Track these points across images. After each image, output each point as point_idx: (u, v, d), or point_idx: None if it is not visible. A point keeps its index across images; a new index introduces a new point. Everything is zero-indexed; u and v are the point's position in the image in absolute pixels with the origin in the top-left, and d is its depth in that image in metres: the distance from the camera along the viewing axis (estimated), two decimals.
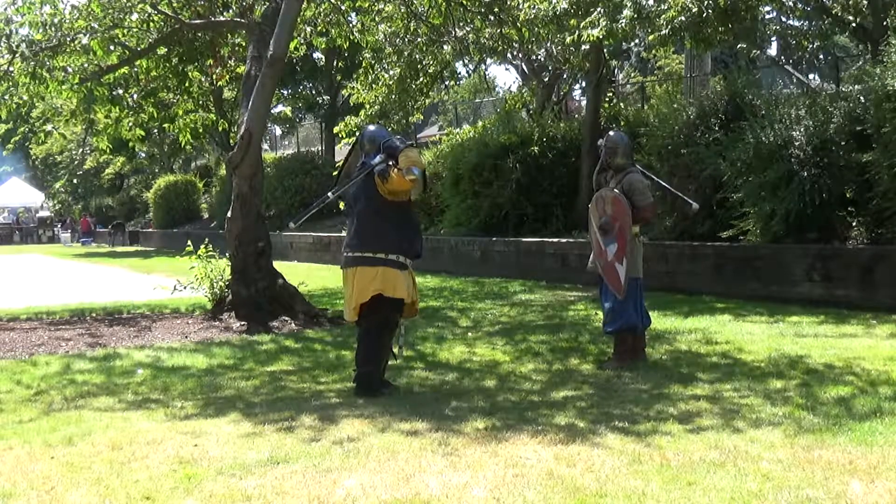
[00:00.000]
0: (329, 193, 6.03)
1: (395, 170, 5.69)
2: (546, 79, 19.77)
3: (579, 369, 6.72)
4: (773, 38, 21.29)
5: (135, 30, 11.85)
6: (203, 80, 14.14)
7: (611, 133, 7.19)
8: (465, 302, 11.55)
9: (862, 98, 10.55)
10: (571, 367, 6.80)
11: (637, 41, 17.44)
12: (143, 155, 35.70)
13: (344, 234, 6.68)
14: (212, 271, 10.42)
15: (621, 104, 18.43)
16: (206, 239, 11.22)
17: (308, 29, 13.02)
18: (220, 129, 18.59)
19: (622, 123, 15.47)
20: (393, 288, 5.74)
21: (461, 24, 13.81)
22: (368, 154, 5.95)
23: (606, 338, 8.06)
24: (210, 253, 10.56)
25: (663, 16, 11.29)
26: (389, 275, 5.74)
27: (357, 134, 5.99)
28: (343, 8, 12.94)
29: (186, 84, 13.25)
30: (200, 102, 14.63)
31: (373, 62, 15.11)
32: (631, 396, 5.69)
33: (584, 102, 19.46)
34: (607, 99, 16.74)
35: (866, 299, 9.61)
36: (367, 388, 5.81)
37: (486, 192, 16.05)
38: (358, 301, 5.75)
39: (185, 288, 10.68)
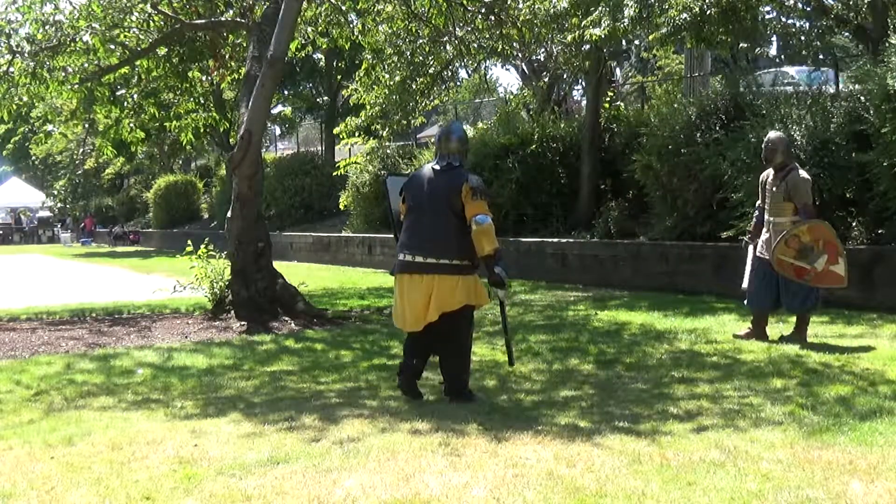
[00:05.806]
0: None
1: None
2: (546, 79, 19.74)
3: (579, 369, 6.72)
4: (774, 38, 21.30)
5: (135, 30, 11.87)
6: (204, 79, 14.15)
7: (770, 133, 7.58)
8: None
9: (862, 98, 10.54)
10: (571, 367, 6.80)
11: (637, 41, 17.41)
12: (143, 155, 35.71)
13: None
14: (212, 271, 10.42)
15: (621, 104, 18.39)
16: (207, 238, 11.22)
17: (309, 29, 13.02)
18: (221, 129, 18.60)
19: (622, 123, 15.45)
20: (476, 295, 5.66)
21: (461, 24, 13.80)
22: (452, 154, 5.72)
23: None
24: (210, 253, 10.57)
25: (665, 15, 11.27)
26: (470, 282, 5.63)
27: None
28: (343, 8, 12.95)
29: (187, 84, 13.26)
30: (201, 102, 14.65)
31: (373, 63, 15.08)
32: (631, 396, 5.69)
33: (584, 102, 19.43)
34: (607, 99, 16.71)
35: (866, 299, 9.60)
36: (468, 396, 5.70)
37: None
38: (441, 311, 5.54)
39: (184, 288, 10.68)
